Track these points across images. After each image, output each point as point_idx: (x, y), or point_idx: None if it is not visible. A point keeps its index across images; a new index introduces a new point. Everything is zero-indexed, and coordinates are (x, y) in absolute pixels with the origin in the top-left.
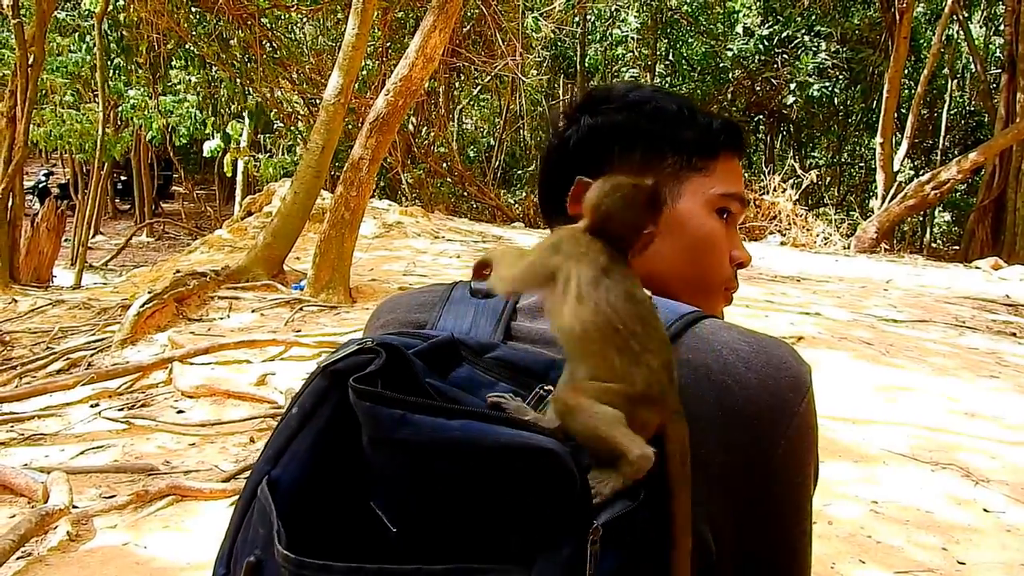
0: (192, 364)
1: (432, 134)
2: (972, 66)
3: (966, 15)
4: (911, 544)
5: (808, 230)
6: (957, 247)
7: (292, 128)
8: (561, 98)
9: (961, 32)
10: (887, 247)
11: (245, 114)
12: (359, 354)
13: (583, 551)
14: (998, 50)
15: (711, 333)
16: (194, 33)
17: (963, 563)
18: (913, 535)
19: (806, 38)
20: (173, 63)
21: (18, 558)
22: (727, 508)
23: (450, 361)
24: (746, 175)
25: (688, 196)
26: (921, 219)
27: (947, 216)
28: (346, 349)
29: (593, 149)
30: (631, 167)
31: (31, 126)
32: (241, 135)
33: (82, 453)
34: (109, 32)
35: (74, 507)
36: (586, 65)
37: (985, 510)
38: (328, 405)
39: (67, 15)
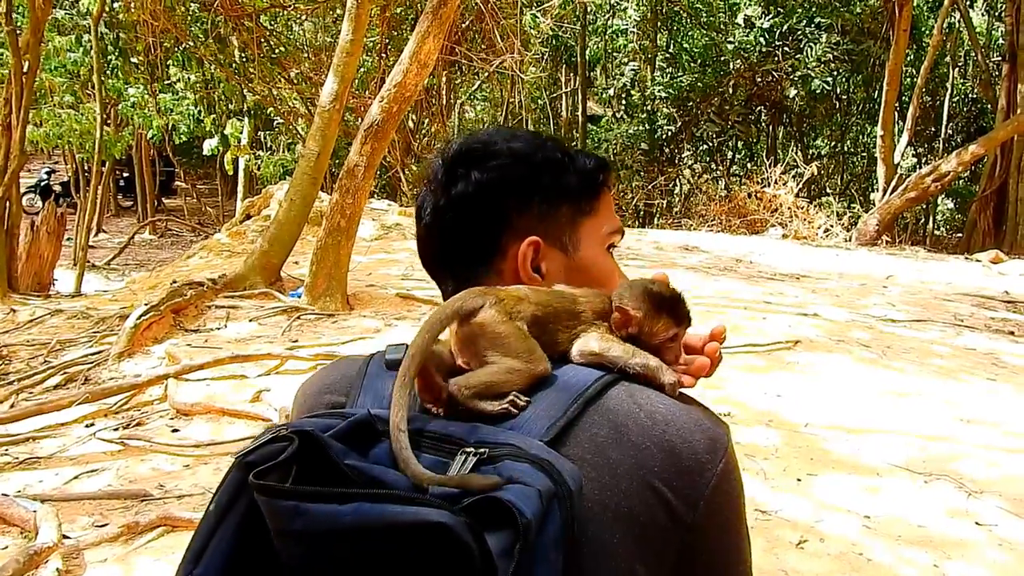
0: (188, 380)
1: (434, 128)
2: (974, 54)
3: (967, 2)
4: (902, 562)
5: (809, 222)
6: (960, 234)
7: (292, 126)
8: (563, 89)
9: (963, 20)
10: (888, 239)
11: (245, 110)
12: (274, 442)
13: None
14: (1000, 37)
15: (628, 396)
16: (191, 31)
17: None
18: (904, 552)
19: (807, 29)
20: (171, 63)
21: None
22: (657, 568)
23: (369, 438)
24: (748, 166)
25: (586, 241)
26: (924, 207)
27: (950, 204)
28: (261, 439)
29: (488, 205)
30: (530, 221)
31: (31, 126)
32: (241, 133)
33: (76, 478)
34: (107, 32)
35: (65, 538)
36: (587, 57)
37: (978, 523)
38: (244, 498)
39: (65, 14)
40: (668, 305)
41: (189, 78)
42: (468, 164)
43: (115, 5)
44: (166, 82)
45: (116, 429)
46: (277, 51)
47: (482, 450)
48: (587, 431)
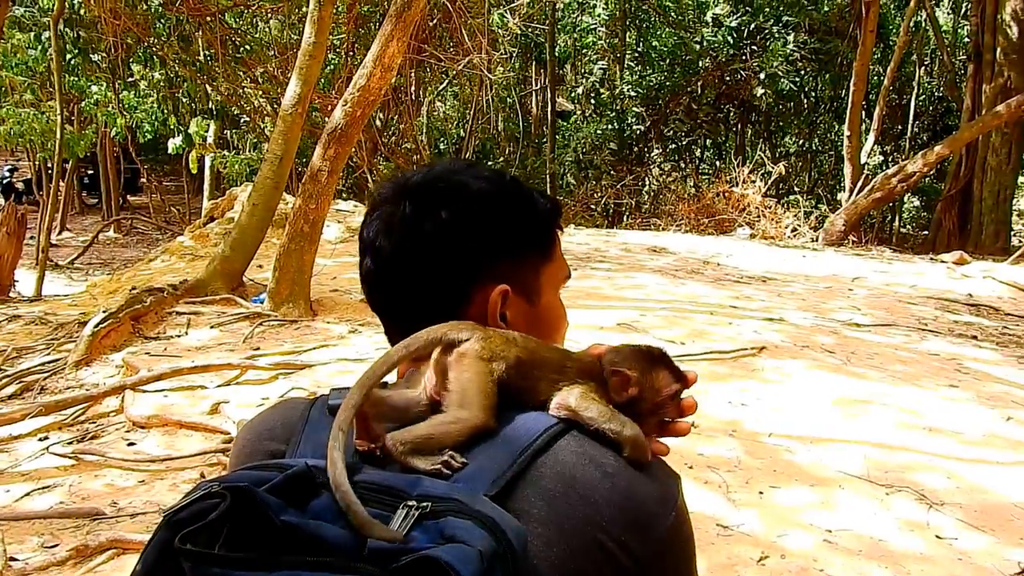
0: (144, 391)
1: (402, 127)
2: (940, 53)
3: (934, 2)
4: None
5: (777, 222)
6: (927, 231)
7: (258, 125)
8: (533, 86)
9: (929, 20)
10: (855, 239)
11: (212, 108)
12: (206, 499)
13: None
14: (966, 36)
15: (578, 447)
16: (154, 29)
17: None
18: (864, 567)
19: (775, 28)
20: (133, 61)
21: None
22: None
23: (308, 491)
24: (717, 165)
25: (546, 288)
26: (891, 205)
27: (916, 201)
28: (192, 495)
29: (460, 250)
30: (499, 268)
31: None
32: (207, 131)
33: (27, 495)
34: (68, 31)
35: (13, 560)
36: (556, 54)
37: (938, 536)
38: (171, 561)
39: (26, 10)
40: (661, 360)
41: (153, 76)
42: (436, 202)
43: (75, 1)
44: (129, 80)
45: (70, 442)
46: (242, 50)
47: (424, 504)
48: (534, 484)
